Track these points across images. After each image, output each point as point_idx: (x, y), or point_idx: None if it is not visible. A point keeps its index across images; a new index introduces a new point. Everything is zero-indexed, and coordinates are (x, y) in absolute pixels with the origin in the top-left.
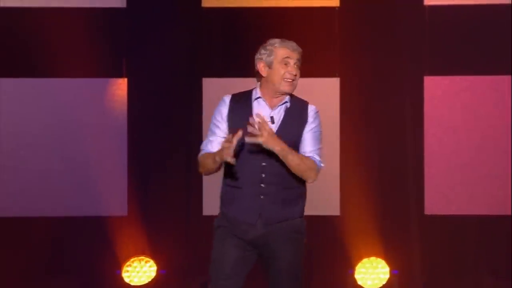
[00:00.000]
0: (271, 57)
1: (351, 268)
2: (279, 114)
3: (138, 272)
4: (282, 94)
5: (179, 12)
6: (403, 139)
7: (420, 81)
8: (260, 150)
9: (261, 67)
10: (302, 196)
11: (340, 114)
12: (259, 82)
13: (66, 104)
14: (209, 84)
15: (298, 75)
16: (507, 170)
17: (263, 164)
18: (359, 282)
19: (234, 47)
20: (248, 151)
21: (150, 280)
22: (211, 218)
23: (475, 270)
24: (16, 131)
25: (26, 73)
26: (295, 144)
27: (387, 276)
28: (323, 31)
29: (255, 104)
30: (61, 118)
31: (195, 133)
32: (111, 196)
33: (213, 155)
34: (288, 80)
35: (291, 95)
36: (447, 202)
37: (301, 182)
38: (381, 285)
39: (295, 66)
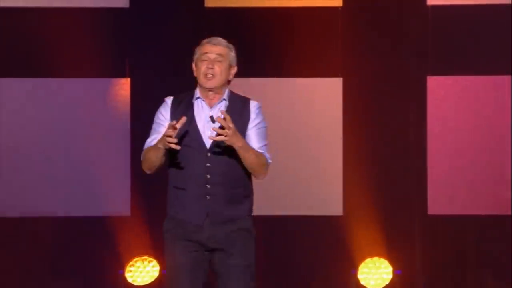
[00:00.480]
0: (196, 56)
1: (354, 268)
2: (219, 113)
3: (141, 272)
4: (208, 91)
5: (182, 12)
6: (406, 139)
7: (423, 81)
8: (204, 151)
9: (193, 67)
10: (248, 195)
11: (343, 114)
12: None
13: (69, 104)
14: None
15: (218, 69)
16: (510, 170)
17: (208, 164)
18: (362, 282)
19: (237, 47)
20: (191, 152)
21: (153, 280)
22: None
23: (478, 271)
24: (18, 131)
25: (29, 73)
26: None
27: (390, 276)
28: (326, 31)
29: (195, 105)
30: (64, 118)
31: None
32: (114, 196)
33: (155, 145)
34: (207, 74)
35: (232, 93)
36: (450, 202)
37: (247, 181)
38: (384, 285)
39: (215, 61)
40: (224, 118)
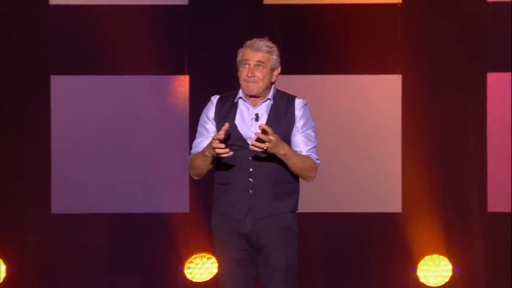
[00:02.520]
0: (238, 58)
1: (413, 265)
2: (261, 112)
3: (200, 268)
4: (250, 96)
5: (240, 9)
6: (465, 136)
7: (483, 77)
8: (247, 146)
9: (237, 68)
10: (293, 190)
11: (402, 111)
12: None
13: (128, 101)
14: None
15: (259, 75)
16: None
17: (250, 158)
18: (422, 280)
19: (296, 44)
20: (235, 147)
21: (212, 276)
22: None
23: None
24: (79, 129)
25: (90, 71)
26: (284, 141)
27: (450, 274)
28: (385, 27)
29: (239, 104)
30: (123, 115)
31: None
32: (173, 193)
33: (201, 152)
34: (248, 82)
35: (278, 92)
36: (511, 200)
37: (292, 178)
38: (443, 283)
39: (255, 68)
40: (265, 131)
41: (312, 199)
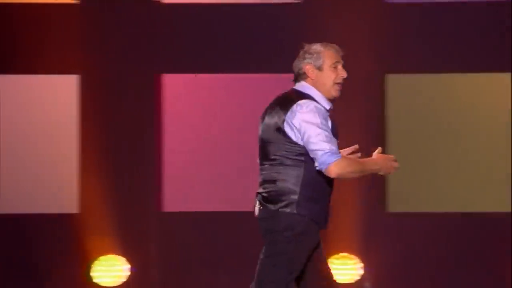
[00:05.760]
0: (320, 61)
1: (88, 266)
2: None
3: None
4: (331, 99)
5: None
6: (141, 136)
7: (153, 79)
8: None
9: (308, 69)
10: None
11: (80, 112)
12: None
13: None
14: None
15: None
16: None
17: None
18: (96, 280)
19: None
20: None
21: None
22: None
23: (212, 266)
24: None
25: None
26: None
27: (127, 273)
28: (65, 27)
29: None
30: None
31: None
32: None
33: (373, 164)
34: (340, 84)
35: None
36: (185, 199)
37: None
38: (120, 283)
39: (343, 69)
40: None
41: None
